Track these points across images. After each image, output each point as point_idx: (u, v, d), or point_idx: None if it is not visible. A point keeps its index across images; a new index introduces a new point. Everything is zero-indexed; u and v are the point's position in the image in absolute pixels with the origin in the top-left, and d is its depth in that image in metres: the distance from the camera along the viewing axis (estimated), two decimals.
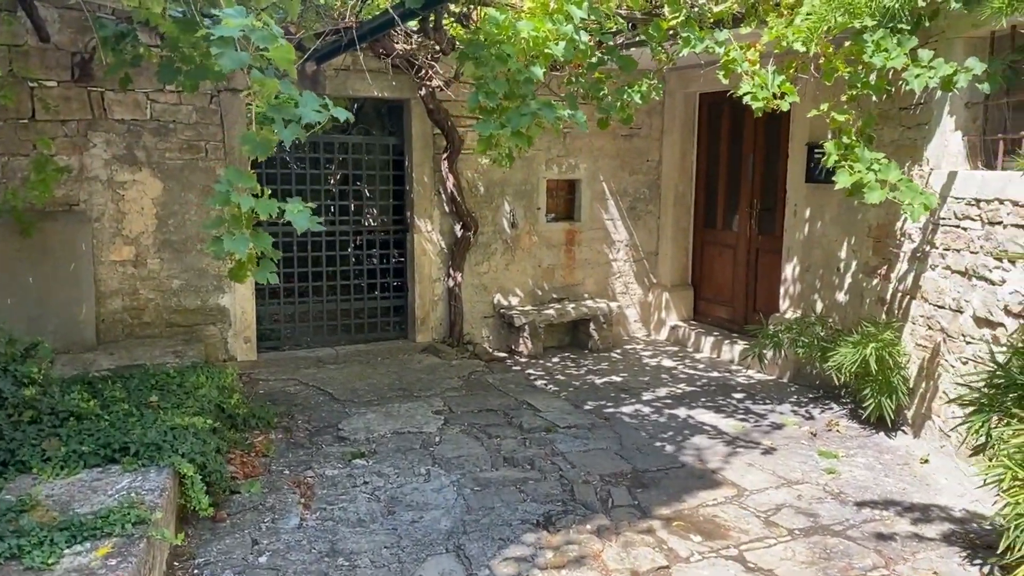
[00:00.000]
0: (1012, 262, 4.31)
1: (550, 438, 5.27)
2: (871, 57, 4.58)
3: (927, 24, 4.87)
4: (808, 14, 4.64)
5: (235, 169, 2.91)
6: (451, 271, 7.56)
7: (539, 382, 6.71)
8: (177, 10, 4.06)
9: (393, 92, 7.12)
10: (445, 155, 7.27)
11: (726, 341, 7.66)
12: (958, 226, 4.83)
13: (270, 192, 3.00)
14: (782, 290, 7.02)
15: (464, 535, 3.90)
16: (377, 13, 4.86)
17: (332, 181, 8.29)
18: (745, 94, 4.94)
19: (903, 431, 5.40)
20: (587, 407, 5.98)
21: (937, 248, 5.05)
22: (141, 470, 3.66)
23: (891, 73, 4.73)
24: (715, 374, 7.04)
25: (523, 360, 7.45)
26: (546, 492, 4.42)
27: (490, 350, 7.66)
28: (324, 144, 7.30)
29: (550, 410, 5.86)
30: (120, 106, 6.07)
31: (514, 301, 7.92)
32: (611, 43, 5.01)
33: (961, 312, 4.76)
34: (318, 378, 6.57)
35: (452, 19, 5.10)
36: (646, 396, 6.32)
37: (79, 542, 2.95)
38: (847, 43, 4.81)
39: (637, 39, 5.47)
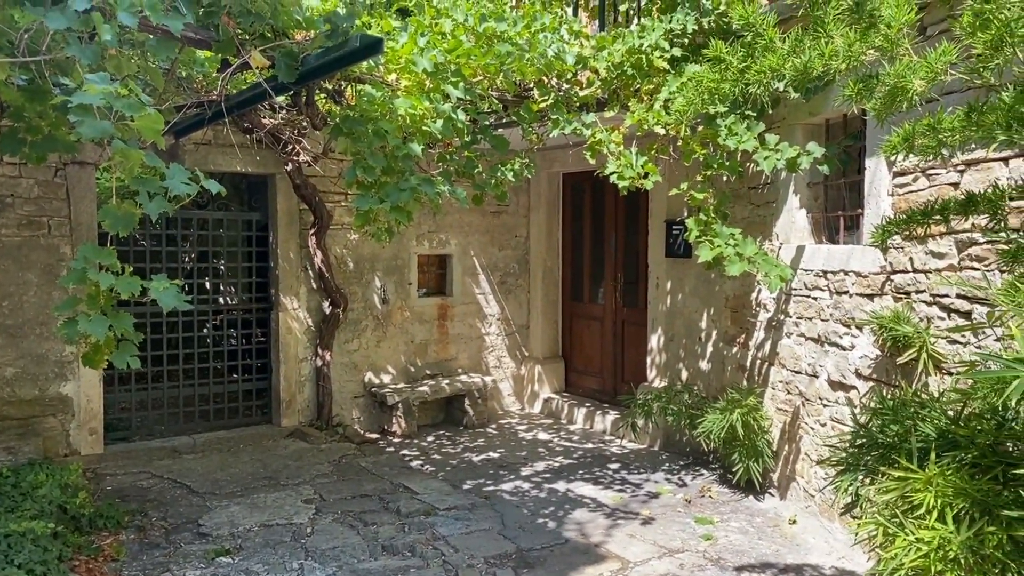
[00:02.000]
0: (859, 328, 4.65)
1: (430, 522, 5.08)
2: (725, 140, 4.93)
3: (770, 111, 5.31)
4: (667, 100, 4.94)
5: (92, 245, 2.69)
6: (319, 350, 7.29)
7: (415, 463, 6.50)
8: (22, 78, 3.79)
9: (257, 167, 6.93)
10: (313, 231, 7.11)
11: (598, 412, 7.77)
12: (809, 296, 5.18)
13: (131, 269, 2.79)
14: (649, 360, 7.24)
15: None
16: (245, 87, 4.74)
17: (188, 259, 7.88)
18: (611, 173, 5.17)
19: (770, 493, 5.61)
20: (466, 486, 5.84)
21: (791, 317, 5.38)
22: None
23: (741, 155, 5.10)
24: (590, 445, 7.10)
25: (397, 440, 7.22)
26: None
27: (362, 432, 7.39)
28: (181, 220, 6.94)
29: (428, 492, 5.67)
30: None
31: (386, 379, 7.72)
32: (485, 123, 5.12)
33: (817, 376, 5.07)
34: (174, 470, 6.06)
35: (324, 95, 5.06)
36: (525, 471, 6.26)
37: None
38: (700, 127, 5.16)
39: (507, 120, 5.63)
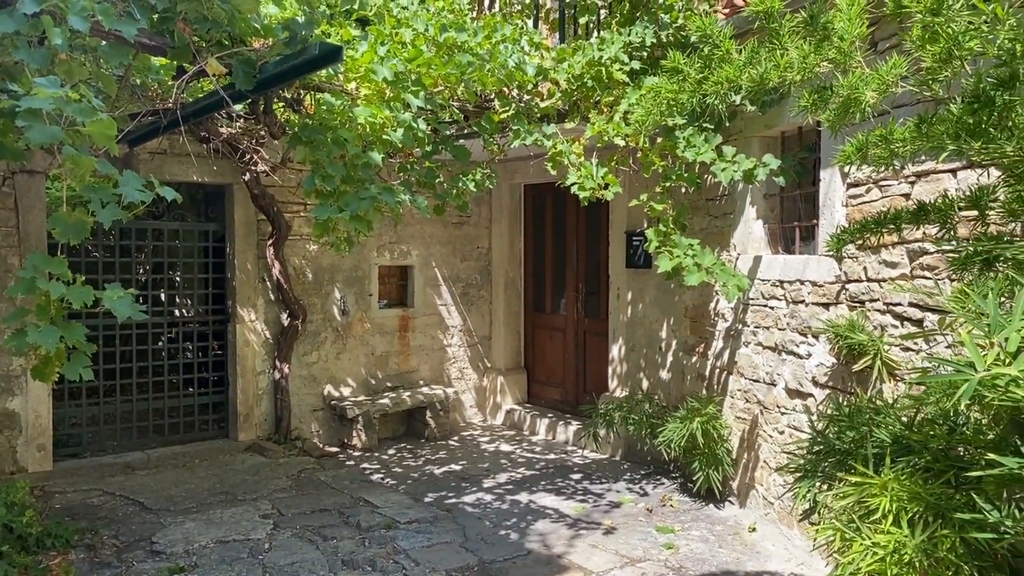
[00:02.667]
0: (815, 337, 4.73)
1: (391, 535, 5.02)
2: (683, 152, 4.99)
3: (727, 124, 5.39)
4: (627, 112, 4.99)
5: (42, 254, 2.61)
6: (277, 362, 7.18)
7: (375, 476, 6.43)
8: None
9: (214, 177, 6.83)
10: (271, 241, 7.01)
11: (560, 422, 7.78)
12: (766, 305, 5.26)
13: (83, 279, 2.71)
14: (610, 370, 7.27)
15: None
16: (201, 95, 4.67)
17: (142, 270, 7.73)
18: (572, 184, 5.20)
19: (730, 501, 5.66)
20: (428, 499, 5.78)
21: (749, 326, 5.45)
22: None
23: (699, 166, 5.17)
24: (552, 456, 7.09)
25: (357, 454, 7.13)
26: None
27: (321, 445, 7.29)
28: (135, 231, 6.80)
29: (389, 505, 5.60)
30: None
31: (346, 392, 7.63)
32: (446, 133, 5.12)
33: (775, 385, 5.14)
34: (127, 486, 5.90)
35: (282, 104, 5.00)
36: (487, 483, 6.22)
37: None
38: (659, 139, 5.22)
39: (467, 131, 5.63)
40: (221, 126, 5.99)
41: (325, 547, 4.81)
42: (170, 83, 4.53)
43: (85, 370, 2.64)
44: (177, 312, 7.97)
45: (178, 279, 7.59)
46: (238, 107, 5.02)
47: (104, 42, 3.33)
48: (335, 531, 5.09)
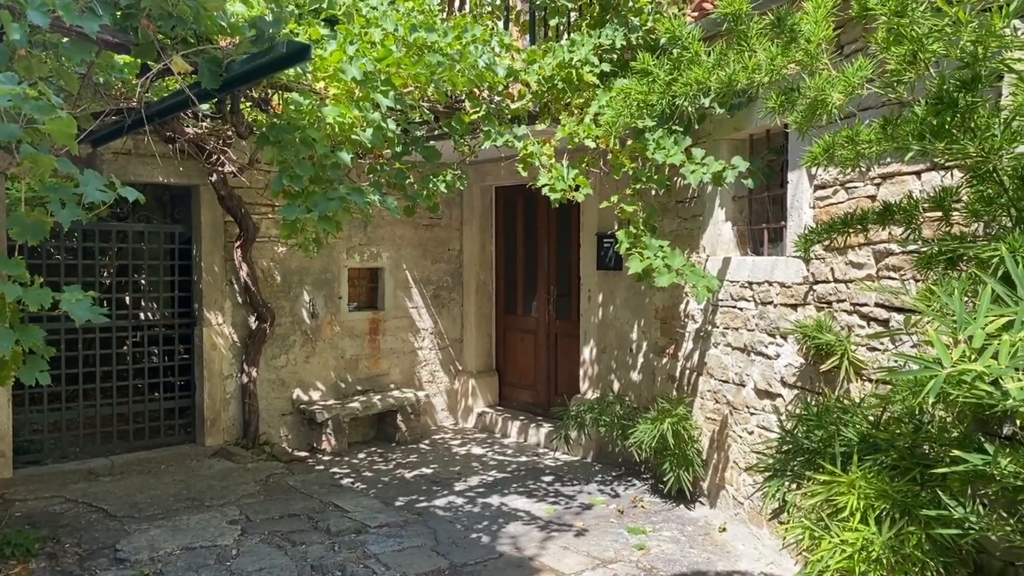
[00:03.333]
0: (784, 337, 4.77)
1: (361, 540, 4.97)
2: (653, 154, 5.02)
3: (696, 127, 5.43)
4: (597, 113, 5.00)
5: None
6: (245, 366, 7.08)
7: (345, 481, 6.36)
8: None
9: (180, 178, 6.72)
10: (238, 243, 6.91)
11: (532, 425, 7.77)
12: (735, 307, 5.30)
13: (42, 281, 2.65)
14: (582, 372, 7.28)
15: None
16: (167, 94, 4.59)
17: (106, 273, 7.58)
18: (543, 186, 5.20)
19: (701, 502, 5.69)
20: (398, 503, 5.74)
21: (718, 327, 5.49)
22: None
23: (668, 169, 5.20)
24: (524, 458, 7.08)
25: (326, 458, 7.06)
26: None
27: (290, 450, 7.20)
28: (99, 233, 6.68)
29: (359, 510, 5.55)
30: None
31: (315, 396, 7.55)
32: (417, 133, 5.09)
33: (744, 385, 5.18)
34: (90, 493, 5.78)
35: (249, 104, 4.94)
36: (458, 486, 6.19)
37: None
38: (629, 141, 5.24)
39: (438, 132, 5.61)
40: (187, 126, 5.90)
41: (294, 552, 4.75)
42: (134, 81, 4.44)
43: (42, 374, 2.57)
44: (142, 315, 7.83)
45: (143, 282, 7.46)
46: (204, 106, 4.95)
47: (65, 38, 3.26)
48: (304, 536, 5.02)
